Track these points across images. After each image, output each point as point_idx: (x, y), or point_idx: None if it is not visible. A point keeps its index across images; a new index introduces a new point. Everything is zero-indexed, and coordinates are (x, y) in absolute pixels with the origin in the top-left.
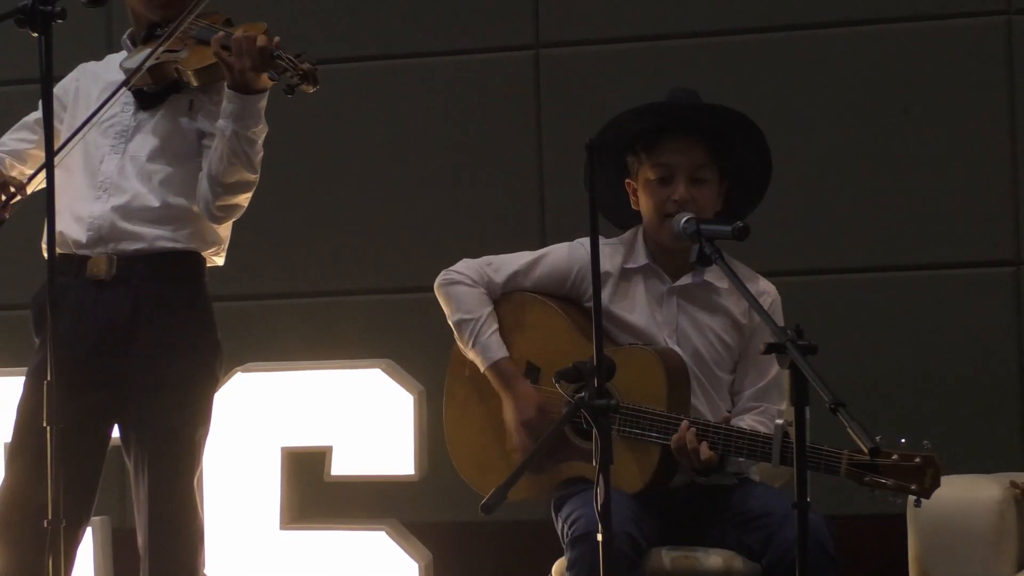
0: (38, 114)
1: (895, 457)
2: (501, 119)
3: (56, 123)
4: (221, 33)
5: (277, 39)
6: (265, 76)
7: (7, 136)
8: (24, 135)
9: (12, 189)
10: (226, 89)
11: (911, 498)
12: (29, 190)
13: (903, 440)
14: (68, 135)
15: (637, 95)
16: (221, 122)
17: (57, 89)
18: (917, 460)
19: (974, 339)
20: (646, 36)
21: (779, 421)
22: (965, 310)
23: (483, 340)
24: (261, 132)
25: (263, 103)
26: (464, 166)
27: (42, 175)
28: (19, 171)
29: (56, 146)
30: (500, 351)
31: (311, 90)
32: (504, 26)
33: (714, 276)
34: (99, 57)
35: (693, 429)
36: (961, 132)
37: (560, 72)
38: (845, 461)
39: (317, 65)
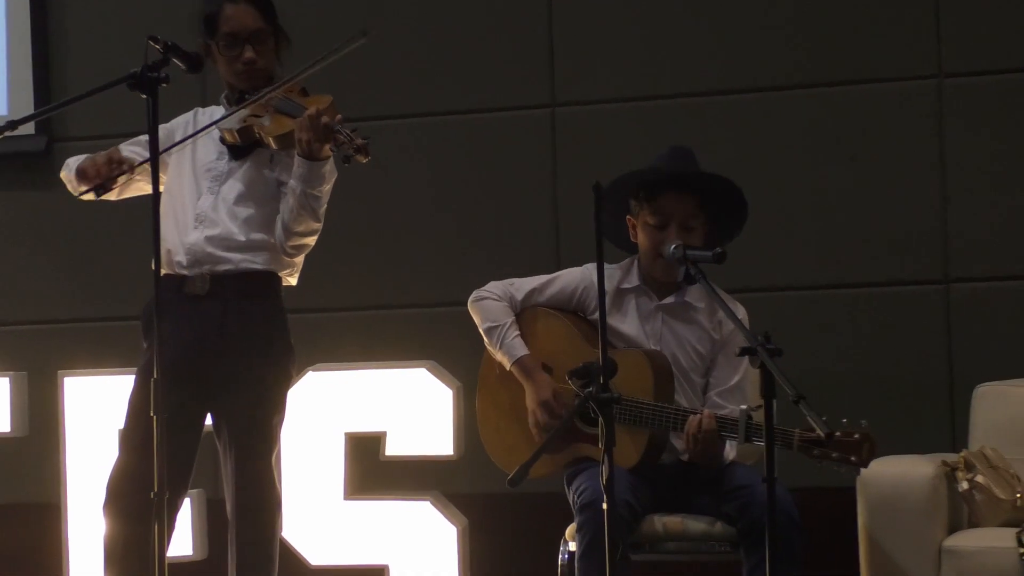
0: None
1: (838, 434)
2: (522, 167)
3: (164, 156)
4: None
5: (339, 116)
6: (327, 147)
7: (122, 145)
8: (138, 150)
9: (124, 166)
10: (296, 156)
11: (859, 470)
12: (129, 192)
13: (844, 420)
14: (175, 165)
15: (641, 146)
16: (292, 182)
17: (170, 124)
18: (856, 436)
19: (909, 345)
20: (647, 96)
21: (743, 407)
22: (902, 321)
23: (508, 342)
24: (326, 189)
25: (327, 168)
26: (492, 205)
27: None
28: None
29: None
30: (522, 350)
31: (364, 160)
32: (525, 88)
33: (693, 297)
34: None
35: (707, 413)
36: (899, 175)
37: (573, 127)
38: (797, 437)
39: (369, 140)
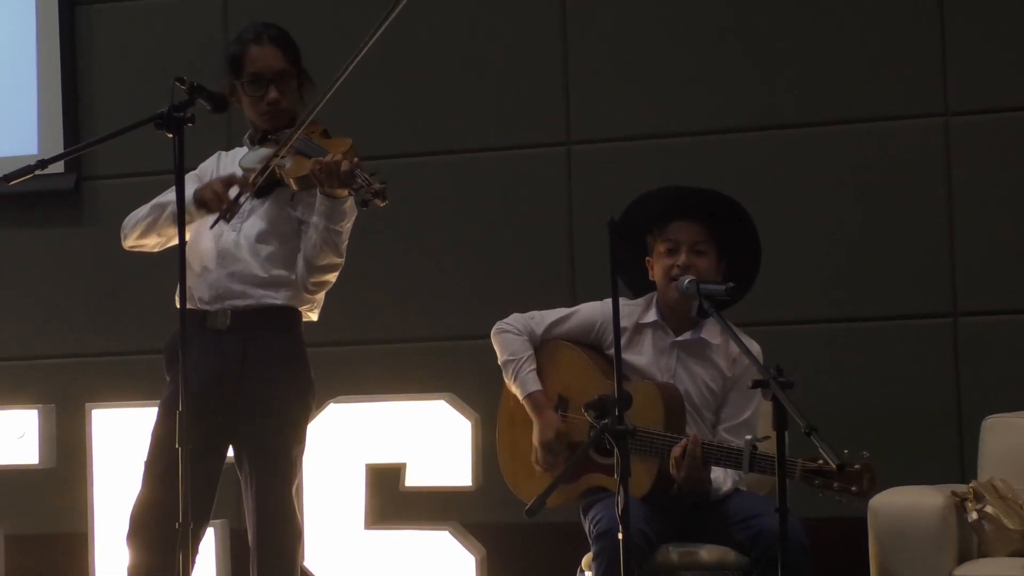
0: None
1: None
2: (538, 203)
3: None
4: (316, 158)
5: (357, 160)
6: (347, 190)
7: (159, 197)
8: (173, 197)
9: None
10: (318, 194)
11: (859, 500)
12: (171, 243)
13: (846, 451)
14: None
15: (654, 183)
16: (315, 218)
17: (198, 171)
18: (857, 467)
19: (919, 377)
20: (660, 134)
21: (748, 437)
22: (912, 354)
23: (522, 376)
24: (347, 226)
25: (348, 204)
26: (509, 241)
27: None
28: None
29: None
30: (535, 385)
31: (382, 205)
32: (541, 127)
33: (709, 334)
34: (220, 149)
35: (694, 436)
36: (907, 211)
37: (588, 164)
38: (799, 468)
39: (386, 185)
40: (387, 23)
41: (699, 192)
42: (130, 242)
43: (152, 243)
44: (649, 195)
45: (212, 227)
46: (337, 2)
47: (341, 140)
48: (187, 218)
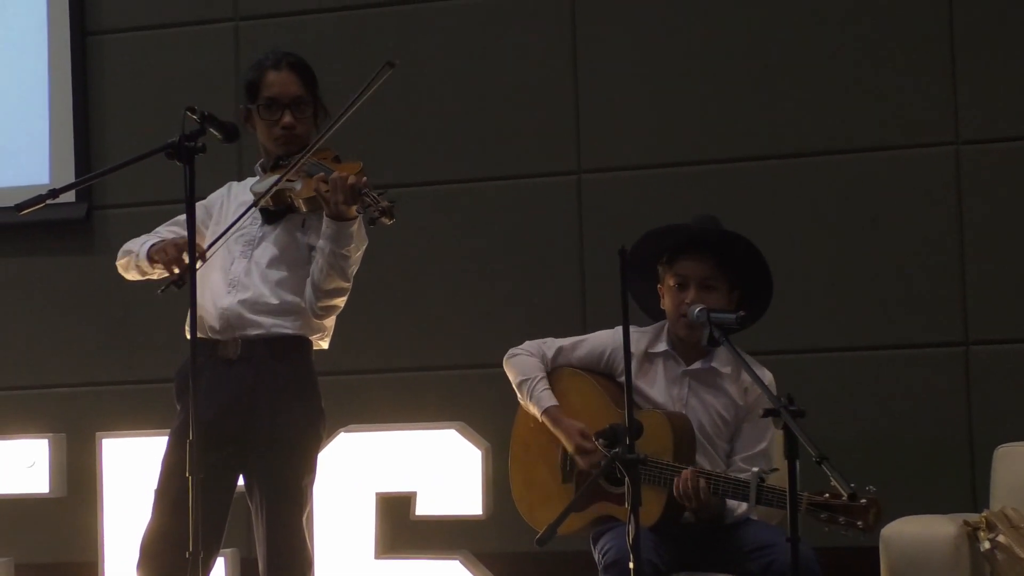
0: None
1: (844, 497)
2: (549, 232)
3: (202, 227)
4: (322, 174)
5: (365, 179)
6: (354, 208)
7: (162, 227)
8: (176, 229)
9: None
10: (324, 216)
11: (865, 535)
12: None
13: (852, 484)
14: (211, 239)
15: (665, 212)
16: (321, 242)
17: (206, 201)
18: (863, 501)
19: (930, 406)
20: (671, 163)
21: (755, 469)
22: (923, 382)
23: (538, 394)
24: (354, 250)
25: (355, 228)
26: (520, 269)
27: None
28: None
29: (202, 248)
30: (551, 401)
31: (389, 223)
32: (551, 155)
33: (720, 363)
34: (231, 179)
35: (687, 471)
36: (918, 238)
37: (599, 193)
38: (805, 501)
39: (394, 203)
40: (367, 93)
41: (705, 232)
42: (118, 267)
43: (131, 277)
44: (655, 233)
45: (161, 292)
46: (350, 33)
47: (351, 164)
48: (139, 272)
